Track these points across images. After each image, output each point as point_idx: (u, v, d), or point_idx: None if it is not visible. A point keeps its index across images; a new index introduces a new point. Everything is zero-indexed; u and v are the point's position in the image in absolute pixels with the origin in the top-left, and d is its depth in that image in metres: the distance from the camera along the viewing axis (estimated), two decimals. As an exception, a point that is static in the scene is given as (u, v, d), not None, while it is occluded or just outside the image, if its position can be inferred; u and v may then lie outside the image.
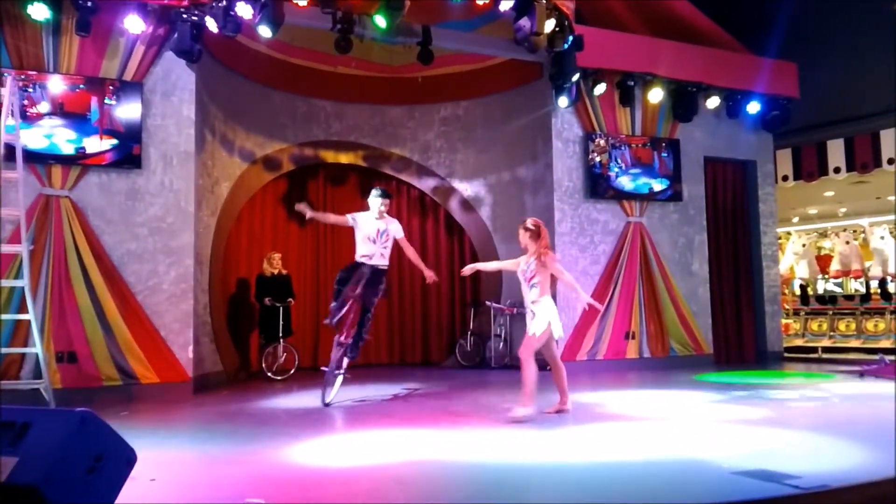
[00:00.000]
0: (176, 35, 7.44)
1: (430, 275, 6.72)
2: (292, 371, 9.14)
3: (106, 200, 7.37)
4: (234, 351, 9.42)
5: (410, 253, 6.93)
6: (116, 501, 3.06)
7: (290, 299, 9.28)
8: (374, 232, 6.69)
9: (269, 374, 8.99)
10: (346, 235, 11.18)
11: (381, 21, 7.79)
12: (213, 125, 8.89)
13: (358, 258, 6.72)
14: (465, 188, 11.22)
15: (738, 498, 3.28)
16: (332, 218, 7.42)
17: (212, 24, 7.36)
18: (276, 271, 9.32)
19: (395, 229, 6.82)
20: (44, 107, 7.12)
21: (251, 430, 5.56)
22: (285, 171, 10.48)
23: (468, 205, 11.20)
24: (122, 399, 6.98)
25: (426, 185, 11.31)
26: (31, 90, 7.06)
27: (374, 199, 6.74)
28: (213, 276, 8.76)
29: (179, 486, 3.77)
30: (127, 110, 7.43)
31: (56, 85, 7.19)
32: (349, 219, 6.77)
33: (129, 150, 7.42)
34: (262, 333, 9.33)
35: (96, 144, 7.29)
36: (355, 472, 3.99)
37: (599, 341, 9.61)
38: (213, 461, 4.42)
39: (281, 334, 9.10)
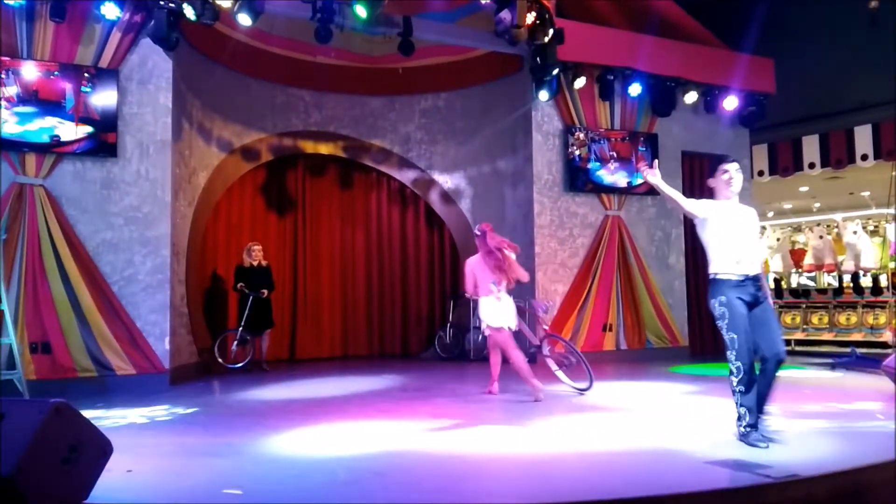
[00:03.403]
0: (153, 22, 7.35)
1: None
2: (245, 362, 8.84)
3: (81, 189, 7.27)
4: (211, 342, 9.35)
5: None
6: (92, 492, 3.04)
7: (263, 290, 8.95)
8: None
9: (221, 361, 8.76)
10: (325, 228, 11.21)
11: (361, 11, 7.77)
12: (190, 114, 8.80)
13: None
14: (446, 180, 11.23)
15: (710, 487, 3.33)
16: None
17: (189, 12, 7.26)
18: (255, 262, 9.08)
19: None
20: (17, 93, 7.00)
21: (228, 422, 5.53)
22: (264, 161, 10.41)
23: (448, 197, 11.21)
24: (98, 390, 6.91)
25: (406, 176, 11.30)
26: (3, 76, 6.93)
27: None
28: (191, 267, 8.68)
29: (156, 477, 3.75)
30: (102, 98, 7.32)
31: (30, 71, 7.07)
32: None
33: (105, 139, 7.32)
34: (244, 325, 9.06)
35: (71, 132, 7.18)
36: (333, 463, 3.99)
37: (577, 333, 9.68)
38: (189, 452, 4.40)
39: (242, 324, 8.80)
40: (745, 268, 4.22)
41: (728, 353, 4.17)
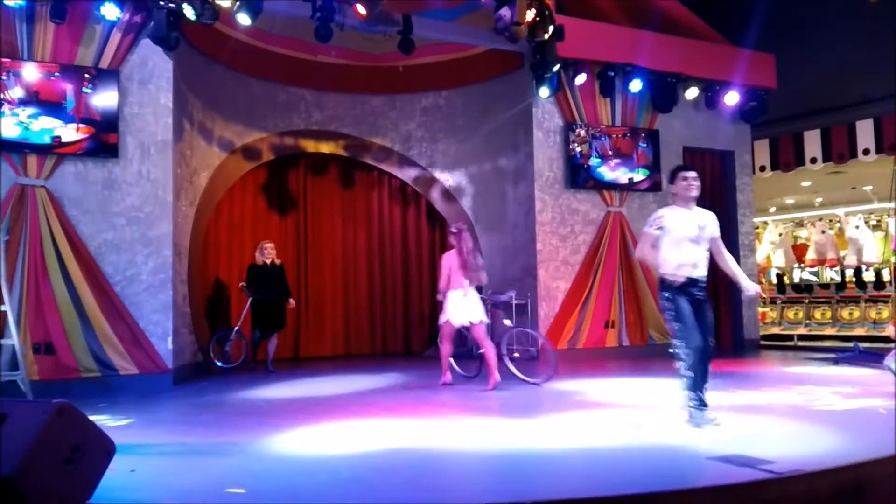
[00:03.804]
0: (153, 22, 7.35)
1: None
2: (239, 362, 8.76)
3: (82, 190, 7.28)
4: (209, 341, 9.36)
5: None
6: (95, 493, 3.05)
7: (291, 300, 9.04)
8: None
9: (217, 362, 8.70)
10: (327, 226, 11.21)
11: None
12: (191, 114, 8.80)
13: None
14: (447, 178, 11.22)
15: (713, 483, 3.33)
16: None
17: (189, 12, 7.26)
18: (268, 261, 8.87)
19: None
20: (18, 95, 7.01)
21: (231, 421, 5.54)
22: (265, 160, 10.41)
23: (449, 195, 11.20)
24: (101, 390, 6.93)
25: (407, 175, 11.29)
26: (4, 78, 6.94)
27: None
28: (193, 267, 8.68)
29: (159, 477, 3.76)
30: (103, 98, 7.33)
31: (31, 73, 7.07)
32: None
33: (106, 139, 7.33)
34: (255, 325, 8.88)
35: (72, 133, 7.19)
36: (336, 461, 3.99)
37: (579, 330, 9.69)
38: (193, 452, 4.41)
39: (238, 325, 8.81)
40: (687, 271, 4.64)
41: (676, 341, 4.62)
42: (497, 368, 6.82)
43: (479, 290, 7.20)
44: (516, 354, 7.57)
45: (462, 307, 6.86)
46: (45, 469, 2.78)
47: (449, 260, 7.02)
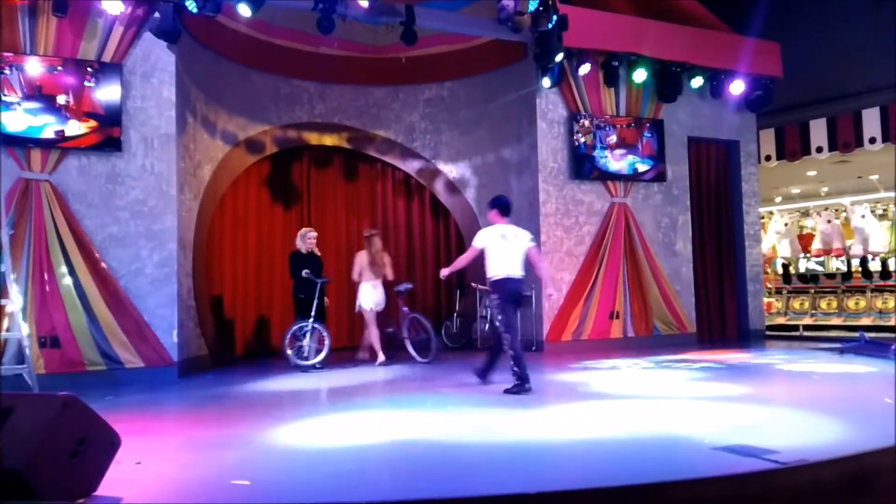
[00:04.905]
0: (155, 15, 7.34)
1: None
2: (323, 359, 8.13)
3: (86, 184, 7.29)
4: (219, 335, 9.40)
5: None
6: (101, 485, 3.07)
7: (325, 281, 8.37)
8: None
9: (298, 361, 8.03)
10: (331, 219, 11.20)
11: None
12: (194, 107, 8.80)
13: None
14: (451, 170, 11.20)
15: (718, 473, 3.33)
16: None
17: (191, 4, 7.25)
18: (312, 249, 8.51)
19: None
20: (21, 89, 7.01)
21: (237, 413, 5.56)
22: (268, 153, 10.39)
23: (453, 187, 11.19)
24: (107, 384, 6.96)
25: (411, 167, 11.28)
26: (7, 72, 6.94)
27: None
28: (197, 260, 8.70)
29: (165, 469, 3.77)
30: (106, 92, 7.33)
31: (33, 67, 7.08)
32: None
33: (109, 133, 7.34)
34: (298, 314, 8.26)
35: (75, 127, 7.19)
36: (341, 453, 4.00)
37: (584, 321, 9.68)
38: (198, 444, 4.42)
39: (314, 315, 8.07)
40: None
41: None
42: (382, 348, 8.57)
43: (386, 282, 8.73)
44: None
45: (371, 295, 8.51)
46: (52, 462, 2.80)
47: (361, 258, 8.68)
